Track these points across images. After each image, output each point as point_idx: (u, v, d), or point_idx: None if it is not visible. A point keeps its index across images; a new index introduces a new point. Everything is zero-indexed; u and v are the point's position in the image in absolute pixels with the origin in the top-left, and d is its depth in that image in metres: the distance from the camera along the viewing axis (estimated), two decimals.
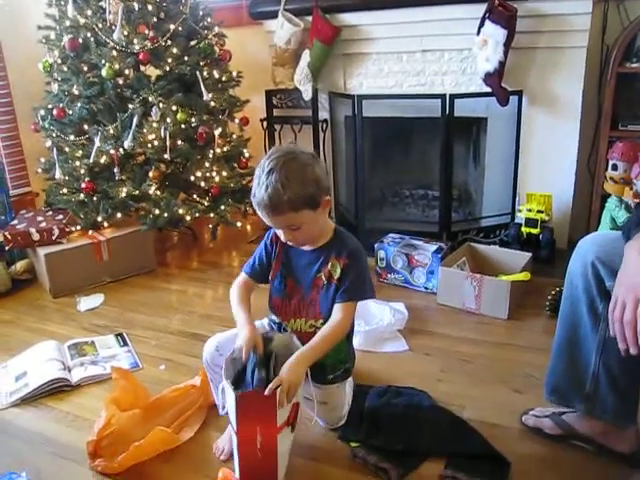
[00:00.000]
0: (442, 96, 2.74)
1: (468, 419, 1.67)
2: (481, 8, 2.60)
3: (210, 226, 3.16)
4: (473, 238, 2.88)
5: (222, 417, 1.65)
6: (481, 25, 2.62)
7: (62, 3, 2.81)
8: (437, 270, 2.46)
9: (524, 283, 2.37)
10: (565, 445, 1.55)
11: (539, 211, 2.72)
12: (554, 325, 1.54)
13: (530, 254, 2.52)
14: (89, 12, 2.74)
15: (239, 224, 3.05)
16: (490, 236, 2.92)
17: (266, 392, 1.29)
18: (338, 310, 1.48)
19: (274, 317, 1.63)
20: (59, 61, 2.84)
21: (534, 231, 2.72)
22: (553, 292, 2.28)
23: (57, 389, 1.94)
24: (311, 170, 1.39)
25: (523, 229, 2.75)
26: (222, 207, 2.99)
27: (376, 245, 2.67)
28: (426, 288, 2.56)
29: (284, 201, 1.33)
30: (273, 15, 3.07)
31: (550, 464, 1.51)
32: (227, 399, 1.40)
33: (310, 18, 2.99)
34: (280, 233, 1.48)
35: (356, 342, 2.08)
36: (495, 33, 2.55)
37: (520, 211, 2.79)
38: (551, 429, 1.58)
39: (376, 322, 2.19)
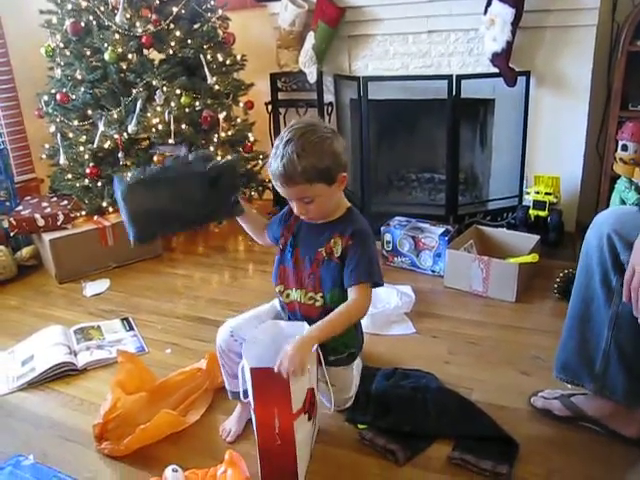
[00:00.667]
0: (449, 77, 2.71)
1: (476, 401, 1.66)
2: None
3: None
4: (480, 221, 2.85)
5: (228, 400, 1.65)
6: (488, 4, 2.58)
7: None
8: (444, 253, 2.44)
9: (532, 265, 2.34)
10: (574, 427, 1.54)
11: (547, 193, 2.69)
12: (562, 308, 1.53)
13: (538, 236, 2.50)
14: None
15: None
16: (497, 219, 2.90)
17: (275, 368, 1.28)
18: (352, 292, 1.46)
19: (279, 294, 1.61)
20: (61, 45, 2.82)
21: (542, 214, 2.69)
22: (561, 274, 2.26)
23: (63, 373, 1.94)
24: (329, 143, 1.38)
25: (531, 212, 2.72)
26: None
27: (382, 228, 2.65)
28: (433, 271, 2.54)
29: (298, 172, 1.32)
30: None
31: (559, 446, 1.50)
32: (246, 378, 1.38)
33: None
34: (293, 206, 1.47)
35: (363, 325, 2.07)
36: (503, 12, 2.51)
37: (528, 193, 2.76)
38: (560, 411, 1.57)
39: (383, 305, 2.18)
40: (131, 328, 2.24)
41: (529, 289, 2.35)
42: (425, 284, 2.47)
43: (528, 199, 2.75)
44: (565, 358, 1.51)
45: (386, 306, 2.17)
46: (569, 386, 1.54)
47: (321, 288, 1.51)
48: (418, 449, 1.50)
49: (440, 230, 2.56)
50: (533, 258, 2.30)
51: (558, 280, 2.26)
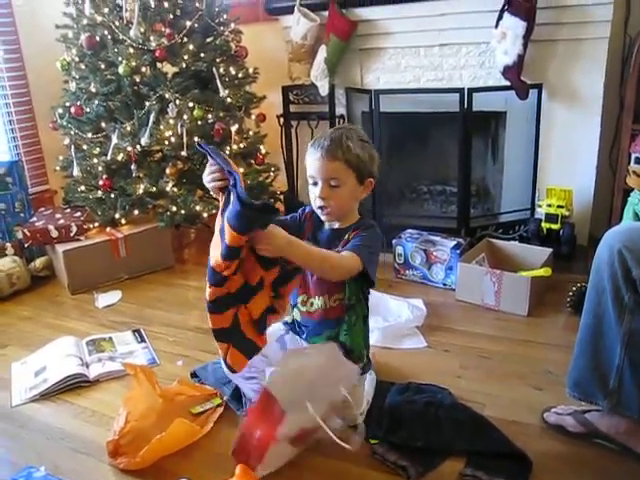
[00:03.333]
0: (460, 90, 2.71)
1: (488, 416, 1.65)
2: (499, 0, 2.56)
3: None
4: (492, 234, 2.84)
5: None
6: (499, 18, 2.58)
7: (79, 2, 2.82)
8: (456, 266, 2.43)
9: (544, 279, 2.33)
10: (588, 444, 1.52)
11: (559, 206, 2.68)
12: (575, 322, 1.52)
13: (550, 250, 2.48)
14: (106, 10, 2.76)
15: None
16: (509, 232, 2.88)
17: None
18: (344, 253, 1.47)
19: (302, 304, 1.63)
20: (77, 59, 2.86)
21: (554, 227, 2.68)
22: (574, 288, 2.24)
23: (75, 385, 1.95)
24: (372, 147, 1.53)
25: (543, 225, 2.71)
26: None
27: (394, 241, 2.65)
28: (444, 284, 2.54)
29: (343, 148, 1.43)
30: (289, 11, 3.05)
31: (572, 463, 1.48)
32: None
33: (326, 13, 2.96)
34: (317, 190, 1.48)
35: (374, 338, 2.07)
36: (514, 26, 2.52)
37: (540, 206, 2.75)
38: (573, 427, 1.55)
39: (394, 318, 2.18)
40: (143, 340, 2.25)
41: (541, 303, 2.33)
42: (437, 297, 2.46)
43: (540, 212, 2.74)
44: (578, 375, 1.49)
45: (397, 319, 2.16)
46: (582, 403, 1.52)
47: (336, 290, 1.54)
48: (430, 465, 1.48)
49: (452, 243, 2.55)
50: (546, 272, 2.28)
51: (571, 294, 2.24)
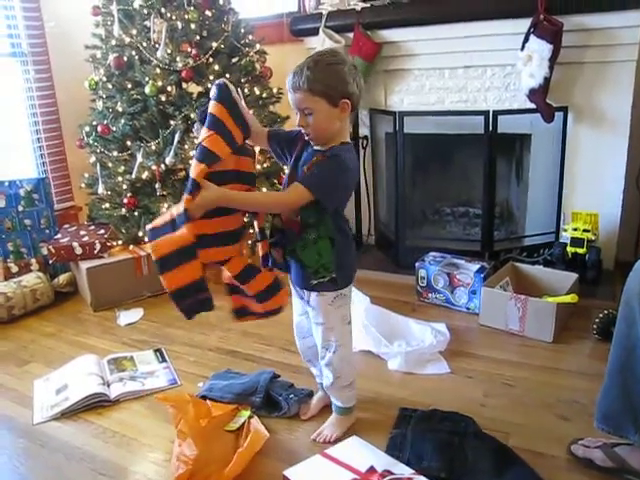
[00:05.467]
0: (485, 113, 2.70)
1: (513, 446, 1.61)
2: (525, 23, 2.55)
3: (249, 242, 3.15)
4: (516, 257, 2.80)
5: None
6: (525, 40, 2.57)
7: (109, 23, 2.88)
8: (479, 290, 2.40)
9: (570, 305, 2.29)
10: (617, 479, 1.48)
11: (585, 230, 2.64)
12: (602, 349, 1.49)
13: (576, 275, 2.44)
14: (134, 31, 2.80)
15: None
16: (534, 255, 2.84)
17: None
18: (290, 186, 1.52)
19: None
20: (104, 79, 2.90)
21: (580, 251, 2.64)
22: (601, 315, 2.20)
23: (96, 404, 1.95)
24: (340, 68, 1.48)
25: (568, 249, 2.66)
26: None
27: (417, 264, 2.64)
28: (468, 308, 2.51)
29: (303, 79, 1.44)
30: (314, 32, 3.07)
31: None
32: None
33: (351, 35, 2.98)
34: (297, 118, 1.53)
35: (396, 364, 2.06)
36: (540, 49, 2.50)
37: (565, 230, 2.71)
38: (602, 461, 1.50)
39: (417, 343, 2.15)
40: (164, 360, 2.25)
41: (567, 329, 2.29)
42: (460, 322, 2.43)
43: (566, 236, 2.70)
44: (607, 407, 1.46)
45: (420, 344, 2.14)
46: (612, 436, 1.48)
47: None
48: None
49: (475, 267, 2.52)
50: (572, 298, 2.24)
51: (597, 321, 2.20)
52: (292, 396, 1.86)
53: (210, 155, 1.43)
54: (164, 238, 1.42)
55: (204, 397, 1.91)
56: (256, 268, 1.60)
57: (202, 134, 1.46)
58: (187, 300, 1.49)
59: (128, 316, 2.67)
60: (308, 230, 1.53)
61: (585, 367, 2.03)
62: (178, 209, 1.41)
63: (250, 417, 1.77)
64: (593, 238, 2.65)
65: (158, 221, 1.46)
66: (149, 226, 1.48)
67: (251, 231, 1.70)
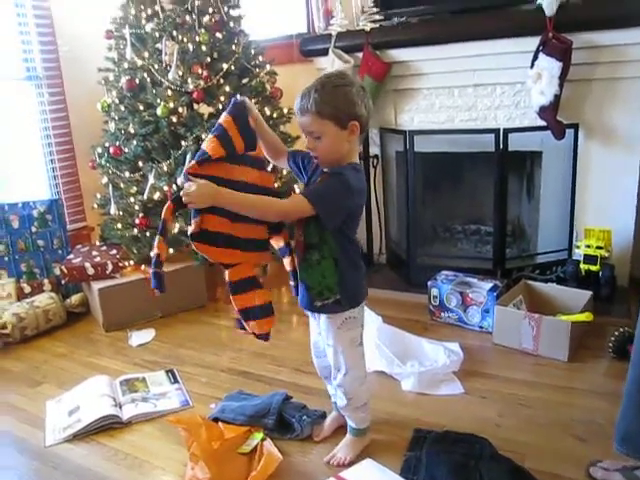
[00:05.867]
0: (496, 131, 2.70)
1: (529, 468, 1.59)
2: (534, 41, 2.56)
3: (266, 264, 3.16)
4: (529, 275, 2.78)
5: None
6: (535, 58, 2.57)
7: (121, 46, 2.93)
8: (492, 309, 2.38)
9: (584, 323, 2.26)
10: None
11: (598, 247, 2.62)
12: (618, 368, 1.47)
13: (590, 293, 2.42)
14: (146, 54, 2.84)
15: None
16: (546, 273, 2.82)
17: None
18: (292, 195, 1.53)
19: None
20: (117, 101, 2.94)
21: (593, 268, 2.62)
22: (616, 333, 2.17)
23: (108, 425, 1.95)
24: (348, 90, 1.47)
25: (582, 266, 2.64)
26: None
27: (429, 283, 2.62)
28: (481, 327, 2.49)
29: (311, 102, 1.44)
30: (323, 53, 3.10)
31: None
32: None
33: (360, 55, 3.00)
34: (305, 142, 1.53)
35: (410, 384, 2.04)
36: (550, 66, 2.50)
37: (578, 247, 2.69)
38: None
39: (430, 363, 2.13)
40: (176, 381, 2.24)
41: (582, 347, 2.26)
42: (473, 341, 2.41)
43: (578, 253, 2.68)
44: (626, 429, 1.43)
45: (434, 364, 2.12)
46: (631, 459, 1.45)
47: (303, 224, 1.55)
48: None
49: (488, 285, 2.51)
50: (587, 317, 2.22)
51: (613, 339, 2.17)
52: (305, 418, 1.84)
53: (202, 153, 1.47)
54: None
55: (216, 419, 1.90)
56: (255, 284, 1.59)
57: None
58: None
59: (140, 337, 2.67)
60: (311, 251, 1.54)
61: (601, 386, 2.00)
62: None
63: (263, 439, 1.77)
64: (606, 255, 2.62)
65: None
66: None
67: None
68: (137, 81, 2.85)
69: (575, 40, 2.49)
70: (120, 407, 2.04)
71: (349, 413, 1.72)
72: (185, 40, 2.83)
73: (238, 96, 1.59)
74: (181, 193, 1.41)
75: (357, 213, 1.61)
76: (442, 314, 2.60)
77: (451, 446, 1.68)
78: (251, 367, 2.32)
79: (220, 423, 1.86)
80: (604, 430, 1.70)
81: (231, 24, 3.01)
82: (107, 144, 2.97)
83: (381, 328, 2.33)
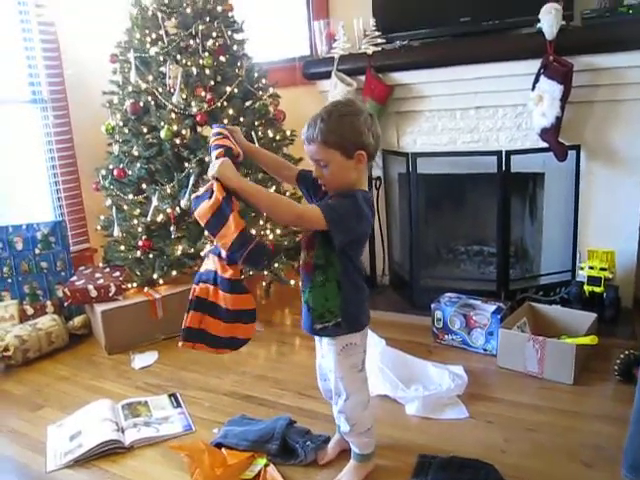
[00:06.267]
0: (498, 153, 2.71)
1: None
2: (535, 64, 2.58)
3: (264, 283, 3.15)
4: (533, 296, 2.77)
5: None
6: (536, 81, 2.59)
7: (126, 70, 2.95)
8: (497, 331, 2.37)
9: (589, 345, 2.25)
10: None
11: (602, 269, 2.61)
12: (624, 391, 1.45)
13: (595, 315, 2.41)
14: (150, 77, 2.87)
15: (292, 282, 3.00)
16: (550, 294, 2.81)
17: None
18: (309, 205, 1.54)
19: None
20: (121, 124, 2.96)
21: (597, 289, 2.61)
22: (622, 356, 2.16)
23: (110, 451, 1.93)
24: (355, 119, 1.47)
25: (586, 287, 2.63)
26: (276, 264, 2.99)
27: (433, 305, 2.62)
28: (485, 350, 2.47)
29: (317, 131, 1.45)
30: (326, 75, 3.12)
31: None
32: None
33: (363, 77, 3.03)
34: (313, 169, 1.54)
35: (414, 408, 2.03)
36: (551, 89, 2.52)
37: (582, 268, 2.68)
38: None
39: (434, 387, 2.12)
40: (178, 405, 2.22)
41: (587, 370, 2.24)
42: (477, 364, 2.39)
43: (582, 274, 2.67)
44: (634, 455, 1.41)
45: (438, 388, 2.10)
46: None
47: (312, 246, 1.56)
48: None
49: (492, 307, 2.50)
50: (592, 340, 2.20)
51: (619, 362, 2.16)
52: (309, 443, 1.82)
53: (223, 145, 1.53)
54: (202, 205, 1.45)
55: (219, 444, 1.88)
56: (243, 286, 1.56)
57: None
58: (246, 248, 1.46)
59: (143, 359, 2.66)
60: (317, 272, 1.54)
61: (608, 410, 1.98)
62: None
63: (266, 465, 1.75)
64: (610, 276, 2.62)
65: (200, 190, 1.49)
66: (193, 195, 1.52)
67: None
68: (141, 104, 2.88)
69: (576, 63, 2.52)
70: (122, 431, 2.02)
71: (353, 439, 1.70)
72: (189, 64, 2.86)
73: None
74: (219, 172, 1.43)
75: (363, 240, 1.62)
76: (446, 336, 2.59)
77: (457, 472, 1.66)
78: (254, 391, 2.30)
79: (223, 449, 1.85)
80: (611, 455, 1.68)
81: (235, 47, 3.05)
82: (111, 166, 2.99)
83: (384, 351, 2.32)
